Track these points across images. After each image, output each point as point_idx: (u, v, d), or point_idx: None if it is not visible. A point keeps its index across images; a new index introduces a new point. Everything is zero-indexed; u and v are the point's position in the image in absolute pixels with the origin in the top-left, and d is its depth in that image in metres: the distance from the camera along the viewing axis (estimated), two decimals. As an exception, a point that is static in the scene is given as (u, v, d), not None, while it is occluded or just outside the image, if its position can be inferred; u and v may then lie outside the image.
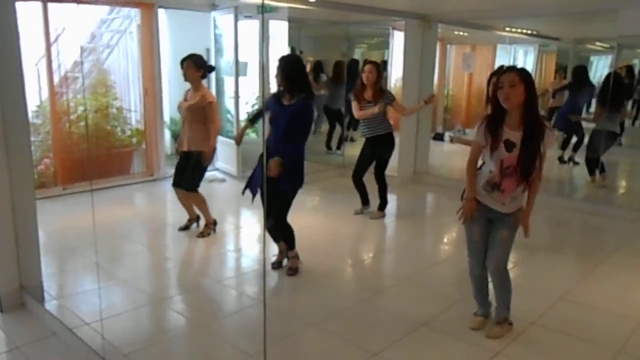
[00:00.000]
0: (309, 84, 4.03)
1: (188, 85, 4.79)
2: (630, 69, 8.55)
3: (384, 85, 9.34)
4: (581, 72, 7.84)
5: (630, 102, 8.61)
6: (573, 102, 7.73)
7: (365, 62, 5.72)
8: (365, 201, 5.66)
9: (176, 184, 4.87)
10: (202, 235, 4.87)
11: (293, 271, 4.09)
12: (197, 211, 5.00)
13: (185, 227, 5.04)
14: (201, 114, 4.67)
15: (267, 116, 4.16)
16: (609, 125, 6.77)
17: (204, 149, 4.70)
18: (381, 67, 5.41)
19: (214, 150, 4.78)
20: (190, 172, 4.76)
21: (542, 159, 2.91)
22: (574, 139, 7.90)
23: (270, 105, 4.06)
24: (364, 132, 5.42)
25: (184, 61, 4.70)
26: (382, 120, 5.29)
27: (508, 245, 3.07)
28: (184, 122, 4.81)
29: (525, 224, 3.05)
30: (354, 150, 8.71)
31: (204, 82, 4.92)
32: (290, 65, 3.94)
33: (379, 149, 5.40)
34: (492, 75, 4.52)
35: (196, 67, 4.70)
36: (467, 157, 3.09)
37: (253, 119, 4.60)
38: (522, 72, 2.88)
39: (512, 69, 2.93)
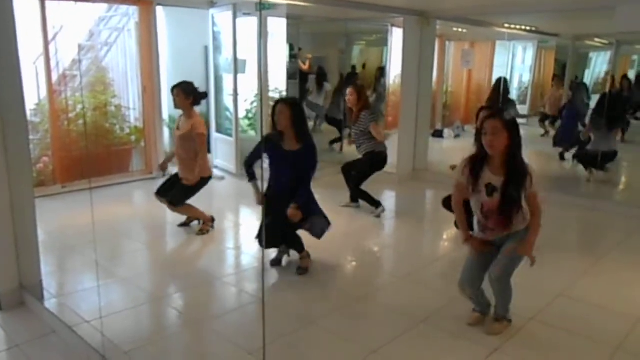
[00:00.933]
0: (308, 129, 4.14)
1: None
2: (628, 80, 8.53)
3: (382, 87, 9.46)
4: (581, 89, 7.87)
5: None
6: (572, 119, 7.76)
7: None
8: (354, 199, 5.81)
9: (160, 194, 4.87)
10: (201, 232, 4.87)
11: (303, 270, 4.07)
12: None
13: (185, 224, 5.05)
14: (190, 145, 4.70)
15: (265, 158, 4.08)
16: (604, 146, 6.82)
17: (190, 180, 4.72)
18: (363, 89, 5.66)
19: (201, 178, 4.77)
20: (178, 190, 4.77)
21: (533, 198, 2.92)
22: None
23: (269, 151, 4.00)
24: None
25: (174, 89, 4.71)
26: (363, 141, 5.47)
27: (515, 257, 3.04)
28: (177, 149, 4.84)
29: (528, 254, 2.98)
30: (353, 148, 8.72)
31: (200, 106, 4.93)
32: (299, 111, 3.96)
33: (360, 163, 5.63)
34: (481, 109, 4.56)
35: (185, 94, 4.69)
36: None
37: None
38: (506, 118, 2.89)
39: (495, 115, 2.92)
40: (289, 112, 3.86)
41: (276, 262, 4.22)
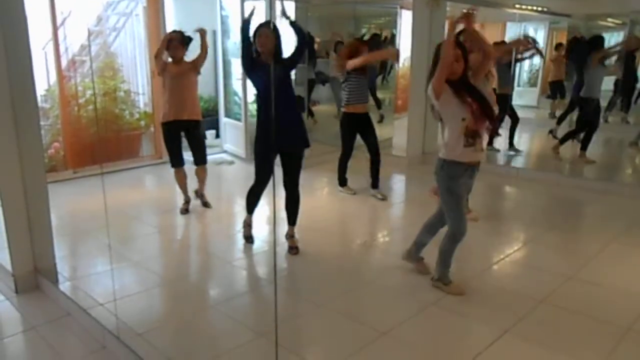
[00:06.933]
0: None
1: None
2: None
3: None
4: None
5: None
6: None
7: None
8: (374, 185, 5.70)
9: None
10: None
11: (296, 250, 4.10)
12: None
13: (186, 206, 5.12)
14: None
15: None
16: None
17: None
18: None
19: None
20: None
21: None
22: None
23: (260, 73, 3.90)
24: None
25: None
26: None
27: None
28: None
29: None
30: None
31: None
32: (279, 33, 4.03)
33: None
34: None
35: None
36: None
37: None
38: None
39: None
40: (273, 35, 3.88)
41: (251, 240, 4.28)
